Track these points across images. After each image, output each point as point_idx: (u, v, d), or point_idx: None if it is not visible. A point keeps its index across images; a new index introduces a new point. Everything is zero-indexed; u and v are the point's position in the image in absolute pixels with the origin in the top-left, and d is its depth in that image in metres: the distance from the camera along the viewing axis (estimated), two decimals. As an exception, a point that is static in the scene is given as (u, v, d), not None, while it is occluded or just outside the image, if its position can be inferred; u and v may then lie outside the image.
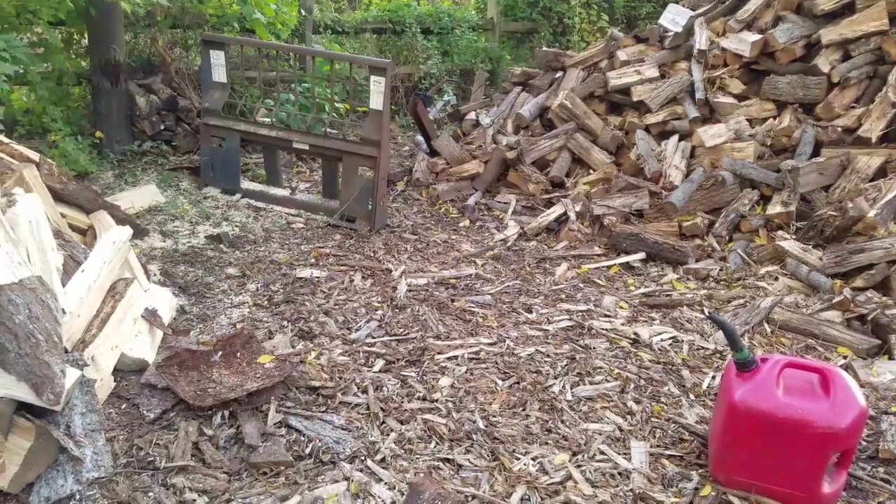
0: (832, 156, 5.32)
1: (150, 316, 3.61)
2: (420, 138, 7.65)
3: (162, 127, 7.07)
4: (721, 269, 4.91)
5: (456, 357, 3.71)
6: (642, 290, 4.73)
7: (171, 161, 6.87)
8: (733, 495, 2.73)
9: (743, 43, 6.23)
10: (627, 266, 5.13)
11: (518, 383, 3.49)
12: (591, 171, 6.51)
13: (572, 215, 5.77)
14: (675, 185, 5.73)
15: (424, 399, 3.33)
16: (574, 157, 6.67)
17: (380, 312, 4.21)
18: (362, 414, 3.18)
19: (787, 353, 3.92)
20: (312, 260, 4.97)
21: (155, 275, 4.40)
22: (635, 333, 4.08)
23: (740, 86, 6.27)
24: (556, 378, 3.55)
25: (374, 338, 3.91)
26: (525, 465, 2.87)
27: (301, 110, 6.92)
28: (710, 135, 5.91)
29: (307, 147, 5.95)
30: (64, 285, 3.07)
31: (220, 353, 3.42)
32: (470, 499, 2.68)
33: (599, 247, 5.43)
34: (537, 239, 5.67)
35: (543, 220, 5.78)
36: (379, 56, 9.99)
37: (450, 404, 3.28)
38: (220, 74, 6.07)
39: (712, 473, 2.83)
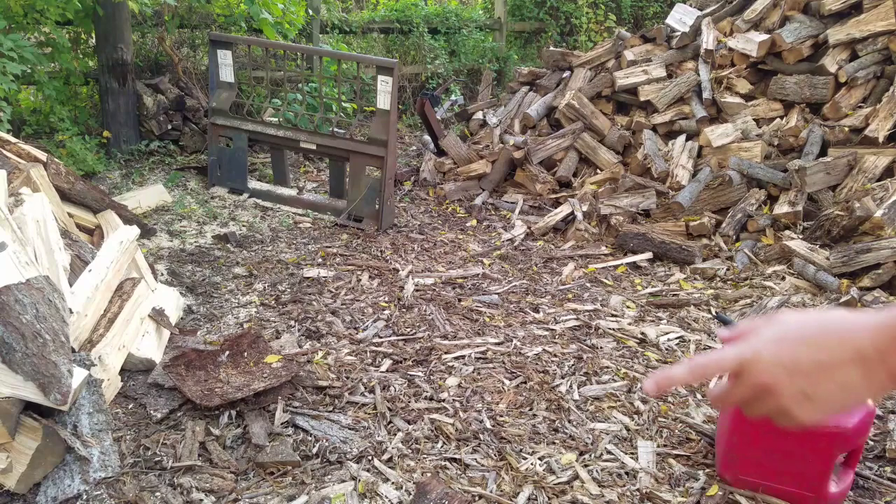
0: (839, 155, 5.31)
1: (158, 315, 3.62)
2: (427, 138, 7.65)
3: (169, 126, 7.09)
4: (728, 269, 4.90)
5: (463, 357, 3.71)
6: (649, 289, 4.72)
7: (178, 161, 6.89)
8: (740, 495, 2.73)
9: (750, 43, 6.22)
10: (634, 266, 5.12)
11: (525, 383, 3.49)
12: (599, 171, 6.51)
13: (579, 215, 5.77)
14: (682, 185, 5.73)
15: (431, 399, 3.33)
16: (581, 157, 6.66)
17: (387, 312, 4.22)
18: (369, 414, 3.18)
19: (794, 353, 3.91)
20: (319, 259, 4.98)
21: (162, 274, 4.42)
22: (642, 333, 4.08)
23: (747, 85, 6.26)
24: (563, 378, 3.55)
25: (381, 337, 3.91)
26: (532, 464, 2.87)
27: (308, 110, 6.93)
28: (718, 134, 5.90)
29: (314, 147, 5.96)
30: (71, 285, 3.08)
31: (227, 352, 3.42)
32: (477, 498, 2.68)
33: (606, 246, 5.42)
34: (544, 238, 5.67)
35: (550, 220, 5.78)
36: (386, 56, 10.00)
37: (457, 404, 3.28)
38: (227, 74, 6.08)
39: (719, 473, 2.83)
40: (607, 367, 3.67)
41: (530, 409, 3.27)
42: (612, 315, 4.32)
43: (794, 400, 0.97)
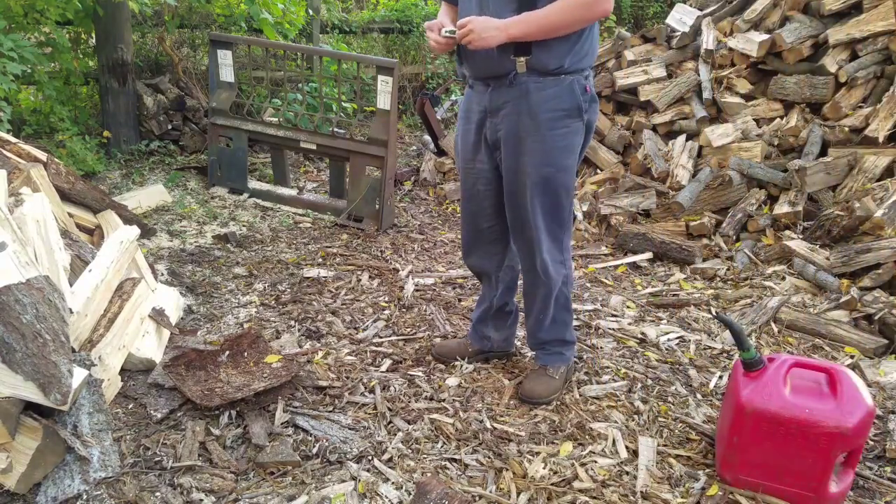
0: (839, 155, 5.31)
1: (158, 315, 3.62)
2: (427, 138, 7.65)
3: (169, 126, 7.09)
4: (728, 269, 4.91)
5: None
6: (649, 289, 4.72)
7: (178, 161, 6.89)
8: (740, 495, 2.73)
9: (750, 43, 6.22)
10: (634, 266, 5.12)
11: (525, 383, 3.49)
12: (599, 171, 6.50)
13: (580, 215, 5.77)
14: (682, 185, 5.73)
15: (431, 399, 3.33)
16: (581, 157, 6.65)
17: (387, 312, 4.22)
18: (369, 414, 3.18)
19: (794, 352, 3.91)
20: (320, 259, 4.98)
21: (162, 274, 4.42)
22: (642, 333, 4.08)
23: (747, 85, 6.26)
24: (562, 378, 3.54)
25: (381, 337, 3.91)
26: (532, 464, 2.87)
27: (308, 110, 6.93)
28: (718, 134, 5.90)
29: (314, 147, 5.96)
30: (71, 285, 3.08)
31: (227, 352, 3.42)
32: (477, 498, 2.68)
33: (606, 246, 5.42)
34: (544, 238, 5.66)
35: (550, 220, 5.77)
36: (386, 56, 10.00)
37: (457, 404, 3.28)
38: (227, 74, 6.08)
39: (719, 473, 2.83)
40: (607, 367, 3.67)
41: (530, 409, 3.27)
42: (613, 315, 4.32)
43: (478, 35, 2.67)
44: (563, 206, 3.08)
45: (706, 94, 6.31)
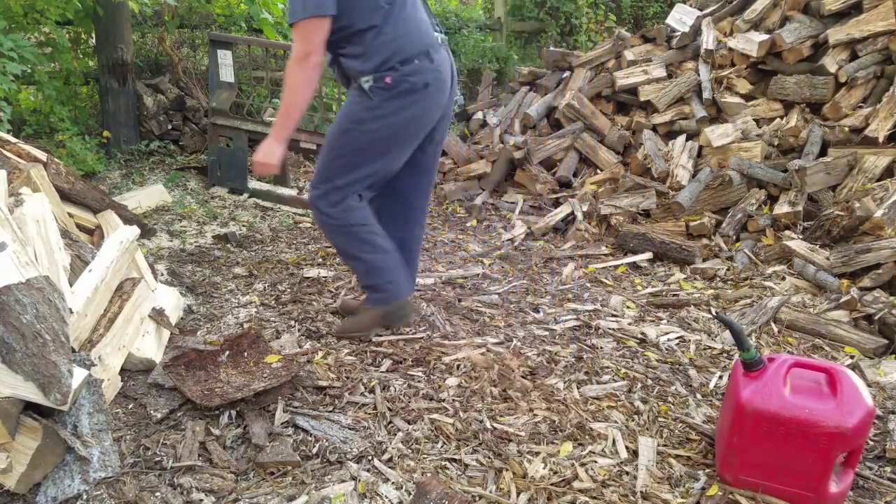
0: (839, 155, 5.31)
1: (158, 315, 3.62)
2: (427, 138, 7.64)
3: (169, 126, 7.09)
4: (728, 269, 4.90)
5: (463, 356, 3.71)
6: (649, 289, 4.72)
7: (178, 161, 6.89)
8: (740, 495, 2.73)
9: (750, 43, 6.22)
10: (634, 266, 5.12)
11: (525, 383, 3.49)
12: (599, 171, 6.51)
13: (579, 215, 5.77)
14: (682, 185, 5.73)
15: (431, 399, 3.33)
16: (581, 157, 6.67)
17: (386, 312, 4.21)
18: (369, 414, 3.18)
19: (794, 352, 3.91)
20: (320, 259, 4.97)
21: (162, 274, 4.42)
22: (642, 333, 4.08)
23: (747, 85, 6.26)
24: (562, 377, 3.54)
25: (381, 337, 3.91)
26: (532, 464, 2.87)
27: (308, 110, 6.92)
28: (718, 134, 5.90)
29: (314, 147, 5.96)
30: (71, 285, 3.08)
31: (227, 352, 3.42)
32: (477, 498, 2.67)
33: (607, 246, 5.42)
34: (544, 238, 5.67)
35: (551, 220, 5.78)
36: (386, 56, 9.97)
37: (457, 404, 3.28)
38: (227, 74, 6.08)
39: (719, 473, 2.83)
40: (607, 367, 3.67)
41: (530, 410, 3.27)
42: (613, 315, 4.32)
43: (261, 162, 3.31)
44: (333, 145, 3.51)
45: (706, 94, 6.31)
